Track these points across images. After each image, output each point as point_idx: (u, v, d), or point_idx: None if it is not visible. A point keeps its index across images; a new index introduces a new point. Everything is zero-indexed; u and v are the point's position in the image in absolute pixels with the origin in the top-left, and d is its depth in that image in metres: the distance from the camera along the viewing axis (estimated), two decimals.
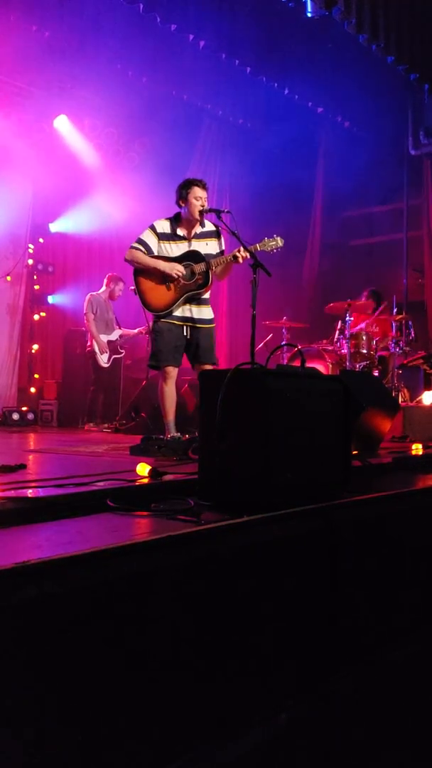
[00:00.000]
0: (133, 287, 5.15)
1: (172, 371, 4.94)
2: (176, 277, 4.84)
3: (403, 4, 7.88)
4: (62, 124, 8.83)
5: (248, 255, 4.73)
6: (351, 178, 9.92)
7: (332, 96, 9.09)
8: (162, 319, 4.92)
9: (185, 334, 4.93)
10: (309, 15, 7.55)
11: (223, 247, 5.04)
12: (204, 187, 4.93)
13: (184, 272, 4.86)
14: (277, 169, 9.63)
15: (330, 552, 2.35)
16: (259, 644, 2.04)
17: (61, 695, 1.54)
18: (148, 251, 4.91)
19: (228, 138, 10.10)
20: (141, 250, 4.91)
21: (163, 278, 4.90)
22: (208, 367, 4.89)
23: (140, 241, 4.93)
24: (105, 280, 8.09)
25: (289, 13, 7.65)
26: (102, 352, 7.79)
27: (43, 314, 9.06)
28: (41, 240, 8.99)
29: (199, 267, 4.86)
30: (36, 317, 8.99)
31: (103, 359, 7.82)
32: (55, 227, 9.14)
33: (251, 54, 7.98)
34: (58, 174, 8.65)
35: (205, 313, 4.99)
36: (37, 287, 8.99)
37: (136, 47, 7.74)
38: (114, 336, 7.96)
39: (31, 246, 8.84)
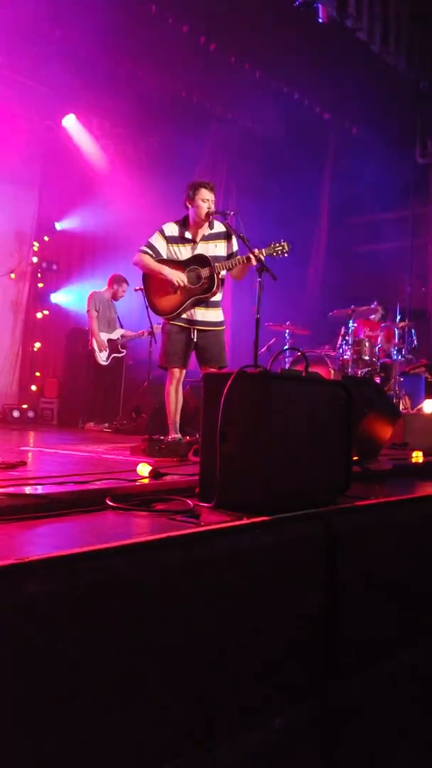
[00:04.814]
0: (139, 288, 5.15)
1: (178, 373, 4.94)
2: (178, 285, 4.84)
3: (414, 13, 7.91)
4: (70, 123, 8.84)
5: (262, 257, 4.73)
6: (358, 185, 9.93)
7: (341, 102, 9.11)
8: (170, 321, 4.93)
9: (192, 336, 4.93)
10: (320, 21, 7.57)
11: (235, 248, 5.00)
12: (212, 189, 4.92)
13: (187, 280, 4.85)
14: (284, 173, 9.64)
15: (329, 556, 2.35)
16: (256, 646, 2.04)
17: (58, 695, 1.54)
18: (157, 255, 4.91)
19: (236, 141, 10.10)
20: (149, 254, 4.90)
21: (170, 282, 4.90)
22: (217, 369, 4.87)
23: (149, 245, 4.92)
24: (108, 280, 8.09)
25: (300, 18, 7.66)
26: (101, 350, 7.76)
27: (45, 312, 9.07)
28: (46, 238, 9.00)
29: (205, 271, 4.85)
30: (39, 315, 8.99)
31: (102, 357, 7.79)
32: (60, 226, 9.15)
33: (262, 58, 8.00)
34: (65, 173, 8.67)
35: (213, 315, 4.97)
36: (40, 285, 9.00)
37: (146, 48, 7.75)
38: (115, 335, 7.95)
39: (36, 244, 8.85)
